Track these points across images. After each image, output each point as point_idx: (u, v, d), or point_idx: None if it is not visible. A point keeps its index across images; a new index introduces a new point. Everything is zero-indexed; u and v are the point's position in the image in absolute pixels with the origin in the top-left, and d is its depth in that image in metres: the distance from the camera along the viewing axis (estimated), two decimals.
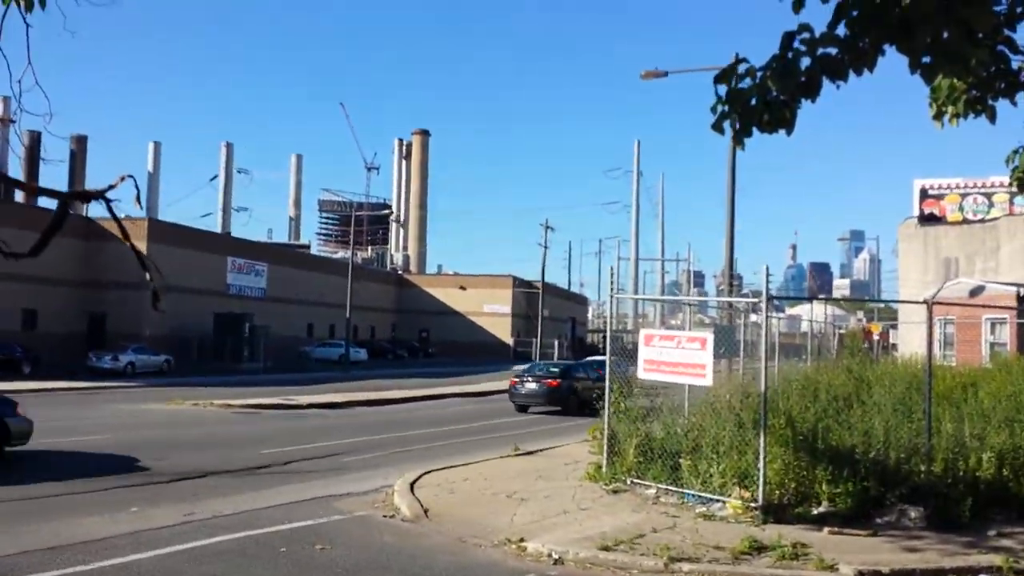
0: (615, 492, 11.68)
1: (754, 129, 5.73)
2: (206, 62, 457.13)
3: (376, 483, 12.90)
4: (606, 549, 8.73)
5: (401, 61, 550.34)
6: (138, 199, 8.13)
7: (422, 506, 10.79)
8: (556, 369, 27.44)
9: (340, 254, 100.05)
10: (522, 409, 26.59)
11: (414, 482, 12.24)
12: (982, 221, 37.31)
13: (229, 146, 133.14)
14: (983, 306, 21.19)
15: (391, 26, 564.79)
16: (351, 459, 15.83)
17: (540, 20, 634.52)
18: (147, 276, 9.65)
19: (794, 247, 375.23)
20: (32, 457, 14.44)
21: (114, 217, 7.95)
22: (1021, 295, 25.30)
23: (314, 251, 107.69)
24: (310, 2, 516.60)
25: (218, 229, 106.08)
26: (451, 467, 13.84)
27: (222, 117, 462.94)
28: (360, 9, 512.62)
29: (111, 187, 8.02)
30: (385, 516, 10.68)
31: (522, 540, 9.15)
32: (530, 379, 26.75)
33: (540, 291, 72.78)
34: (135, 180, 8.47)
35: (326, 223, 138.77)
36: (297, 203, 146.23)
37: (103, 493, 11.85)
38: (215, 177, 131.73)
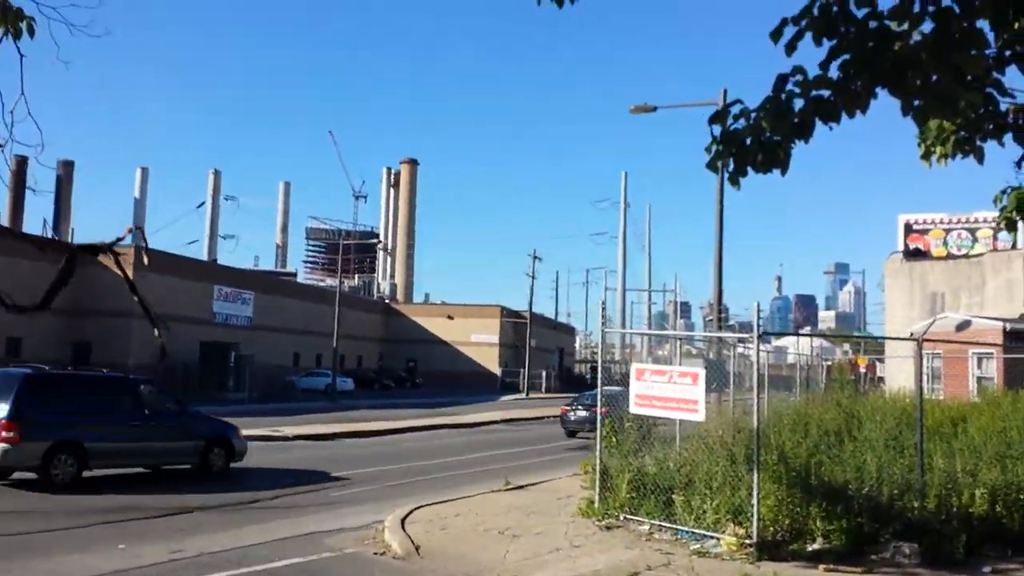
0: (608, 528, 11.60)
1: (749, 169, 5.80)
2: (194, 88, 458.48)
3: (366, 518, 12.77)
4: None
5: (390, 91, 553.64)
6: (147, 251, 8.14)
7: (413, 543, 10.67)
8: (604, 398, 28.29)
9: (327, 282, 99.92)
10: (572, 435, 28.61)
11: (405, 518, 12.12)
12: (966, 256, 37.65)
13: (217, 173, 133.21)
14: (972, 343, 21.34)
15: (381, 56, 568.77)
16: (340, 493, 15.67)
17: (531, 52, 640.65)
18: (155, 332, 9.65)
19: (779, 279, 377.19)
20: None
21: (121, 270, 7.91)
22: (1007, 330, 25.47)
23: (301, 279, 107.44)
24: (299, 30, 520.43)
25: (204, 256, 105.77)
26: (442, 502, 13.72)
27: (210, 144, 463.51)
28: (351, 38, 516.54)
29: (119, 240, 8.00)
30: (376, 553, 10.56)
31: None
32: (580, 407, 28.78)
33: (528, 321, 72.82)
34: (143, 232, 8.48)
35: (313, 251, 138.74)
36: (284, 230, 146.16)
37: (90, 529, 11.69)
38: (202, 204, 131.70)
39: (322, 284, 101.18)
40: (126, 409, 15.73)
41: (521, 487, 15.74)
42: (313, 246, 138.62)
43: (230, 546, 10.76)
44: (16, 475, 15.12)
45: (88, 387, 16.09)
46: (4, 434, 14.05)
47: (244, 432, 26.51)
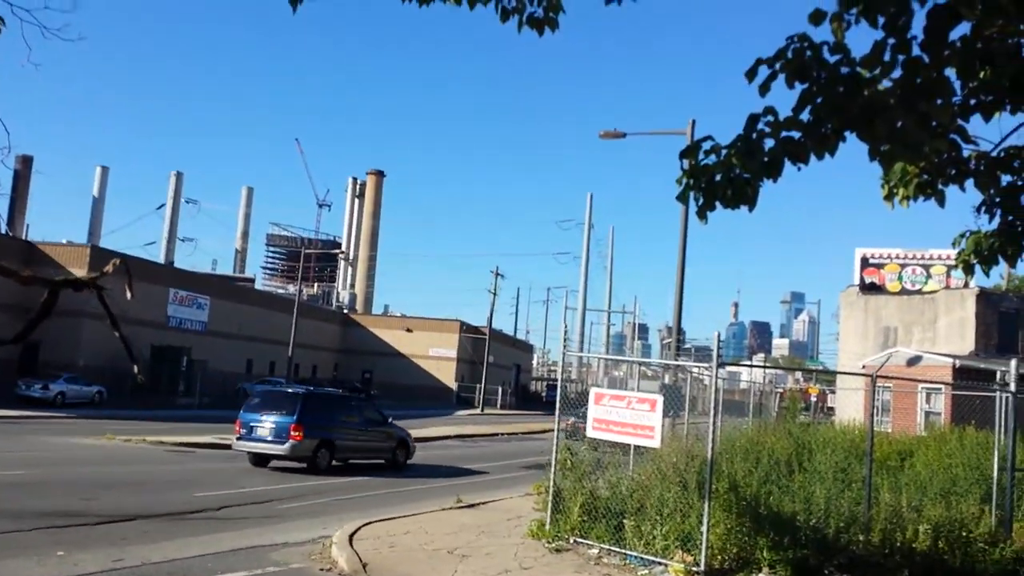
0: (558, 551, 11.56)
1: (717, 204, 5.85)
2: (159, 89, 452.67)
3: (313, 533, 12.59)
4: None
5: (360, 104, 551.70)
6: (130, 285, 7.97)
7: (360, 560, 10.53)
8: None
9: (287, 289, 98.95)
10: None
11: (353, 534, 11.95)
12: (920, 292, 38.45)
13: (178, 175, 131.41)
14: (922, 380, 21.76)
15: (353, 69, 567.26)
16: (288, 506, 15.43)
17: (505, 74, 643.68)
18: (135, 369, 9.60)
19: (736, 305, 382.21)
20: None
21: (104, 305, 7.75)
22: (957, 367, 26.01)
23: (259, 285, 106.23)
24: (271, 37, 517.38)
25: (161, 259, 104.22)
26: (391, 519, 13.56)
27: (173, 146, 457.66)
28: (325, 48, 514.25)
29: (103, 274, 7.84)
30: (322, 569, 10.40)
31: None
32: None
33: (487, 337, 72.68)
34: (127, 267, 8.30)
35: (273, 257, 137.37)
36: (245, 236, 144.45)
37: (29, 534, 11.35)
38: (162, 206, 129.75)
39: (280, 291, 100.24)
40: (355, 418, 21.10)
41: (472, 505, 15.64)
42: (273, 253, 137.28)
43: (173, 557, 10.53)
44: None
45: (335, 402, 22.01)
46: (293, 434, 19.37)
47: (192, 439, 26.26)
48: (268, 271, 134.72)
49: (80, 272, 42.54)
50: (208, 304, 57.27)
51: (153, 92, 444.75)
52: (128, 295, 7.50)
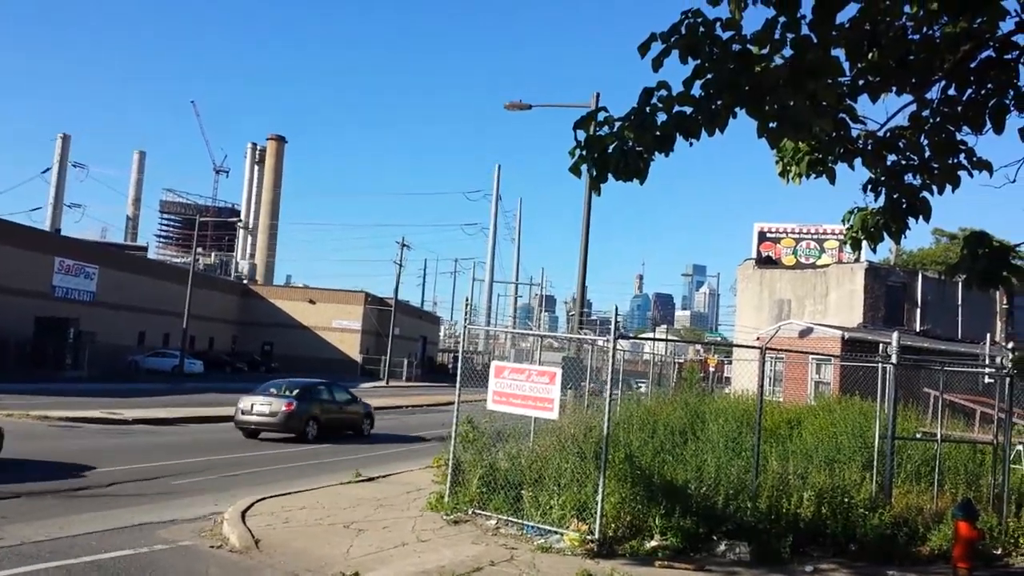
0: (456, 523, 11.56)
1: (610, 176, 5.85)
2: (46, 44, 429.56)
3: (205, 510, 12.23)
4: None
5: (261, 68, 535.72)
6: None
7: (253, 536, 10.29)
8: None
9: (183, 259, 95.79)
10: None
11: (246, 510, 11.67)
12: (813, 266, 39.92)
13: (65, 138, 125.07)
14: (812, 352, 22.59)
15: (253, 31, 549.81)
16: (179, 482, 14.96)
17: (409, 37, 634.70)
18: None
19: (641, 277, 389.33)
20: None
21: None
22: (846, 339, 27.12)
23: (152, 254, 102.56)
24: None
25: (47, 226, 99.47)
26: (287, 494, 13.30)
27: (61, 109, 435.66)
28: (220, 12, 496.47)
29: None
30: (212, 547, 10.11)
31: (357, 574, 8.88)
32: None
33: (393, 309, 72.07)
34: None
35: (167, 225, 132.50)
36: (136, 202, 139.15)
37: None
38: (47, 170, 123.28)
39: (175, 260, 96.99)
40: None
41: (372, 479, 15.49)
42: (167, 220, 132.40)
43: (55, 535, 10.08)
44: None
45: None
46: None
47: (76, 413, 25.20)
48: (162, 239, 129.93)
49: None
50: (97, 273, 54.87)
51: (41, 52, 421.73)
52: None
